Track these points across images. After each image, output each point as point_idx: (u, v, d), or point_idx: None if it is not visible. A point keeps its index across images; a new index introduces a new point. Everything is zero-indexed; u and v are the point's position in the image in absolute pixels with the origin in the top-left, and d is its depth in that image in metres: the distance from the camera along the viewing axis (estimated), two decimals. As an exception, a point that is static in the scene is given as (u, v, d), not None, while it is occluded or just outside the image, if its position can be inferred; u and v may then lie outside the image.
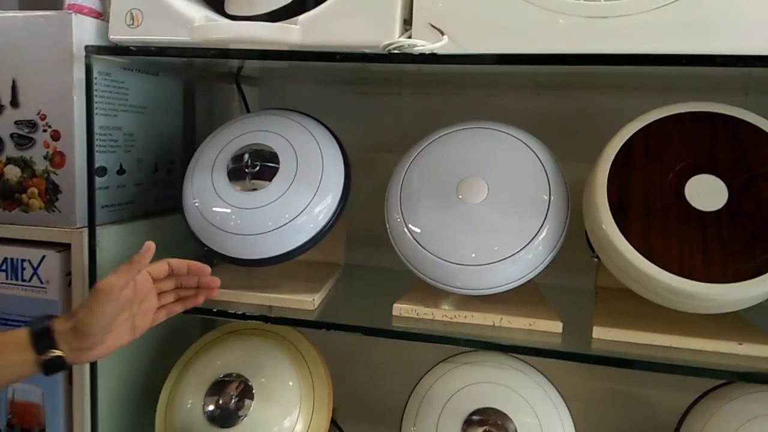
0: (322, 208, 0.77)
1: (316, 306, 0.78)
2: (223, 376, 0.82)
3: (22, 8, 1.06)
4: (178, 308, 0.71)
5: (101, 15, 0.83)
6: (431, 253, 0.74)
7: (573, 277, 0.87)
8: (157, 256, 0.91)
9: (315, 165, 0.78)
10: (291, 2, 0.76)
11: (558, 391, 0.80)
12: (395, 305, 0.75)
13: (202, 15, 0.75)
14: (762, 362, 0.65)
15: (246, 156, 0.79)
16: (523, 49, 0.63)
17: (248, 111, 1.03)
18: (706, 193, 0.65)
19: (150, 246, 0.64)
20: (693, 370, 0.64)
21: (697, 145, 0.66)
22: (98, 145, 0.79)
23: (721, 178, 0.64)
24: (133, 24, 0.77)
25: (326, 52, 0.67)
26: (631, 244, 0.64)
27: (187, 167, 0.84)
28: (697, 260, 0.62)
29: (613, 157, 0.67)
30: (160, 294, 0.70)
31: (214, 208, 0.79)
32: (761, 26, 0.59)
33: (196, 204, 0.80)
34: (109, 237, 0.81)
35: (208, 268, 0.71)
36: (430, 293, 0.79)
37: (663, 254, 0.63)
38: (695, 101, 0.68)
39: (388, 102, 1.03)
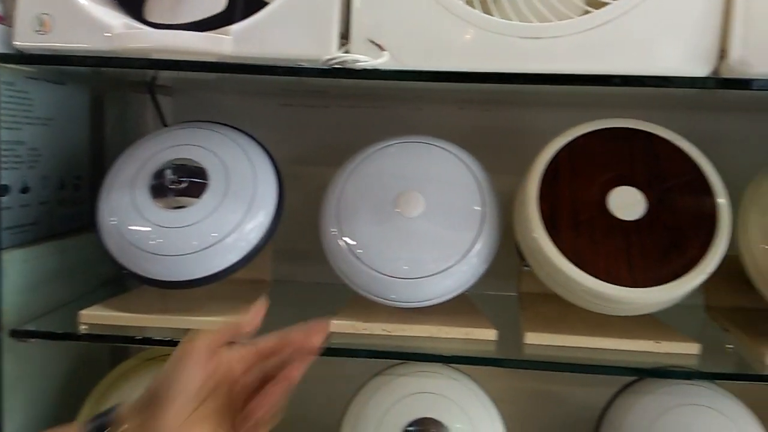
0: (254, 225, 0.75)
1: (251, 326, 0.75)
2: (148, 406, 0.77)
3: None
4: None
5: (2, 19, 0.75)
6: (368, 266, 0.74)
7: (497, 284, 0.90)
8: (66, 280, 0.85)
9: (246, 181, 0.75)
10: (218, 12, 0.73)
11: (487, 394, 0.82)
12: (332, 321, 0.75)
13: (121, 22, 0.71)
14: (677, 358, 0.70)
15: (171, 172, 0.75)
16: (461, 67, 0.65)
17: (163, 122, 0.98)
18: (627, 204, 0.69)
19: (261, 307, 0.51)
20: (621, 370, 0.69)
21: (618, 159, 0.71)
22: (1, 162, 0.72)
23: (640, 190, 0.70)
24: (41, 30, 0.71)
25: (264, 65, 0.65)
26: (563, 254, 0.68)
27: (97, 183, 0.78)
28: (622, 268, 0.67)
29: (542, 171, 0.71)
30: None
31: (134, 228, 0.74)
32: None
33: (114, 223, 0.74)
34: (13, 262, 0.74)
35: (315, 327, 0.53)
36: (366, 307, 0.78)
37: (591, 263, 0.67)
38: (616, 117, 0.73)
39: (314, 114, 1.01)
